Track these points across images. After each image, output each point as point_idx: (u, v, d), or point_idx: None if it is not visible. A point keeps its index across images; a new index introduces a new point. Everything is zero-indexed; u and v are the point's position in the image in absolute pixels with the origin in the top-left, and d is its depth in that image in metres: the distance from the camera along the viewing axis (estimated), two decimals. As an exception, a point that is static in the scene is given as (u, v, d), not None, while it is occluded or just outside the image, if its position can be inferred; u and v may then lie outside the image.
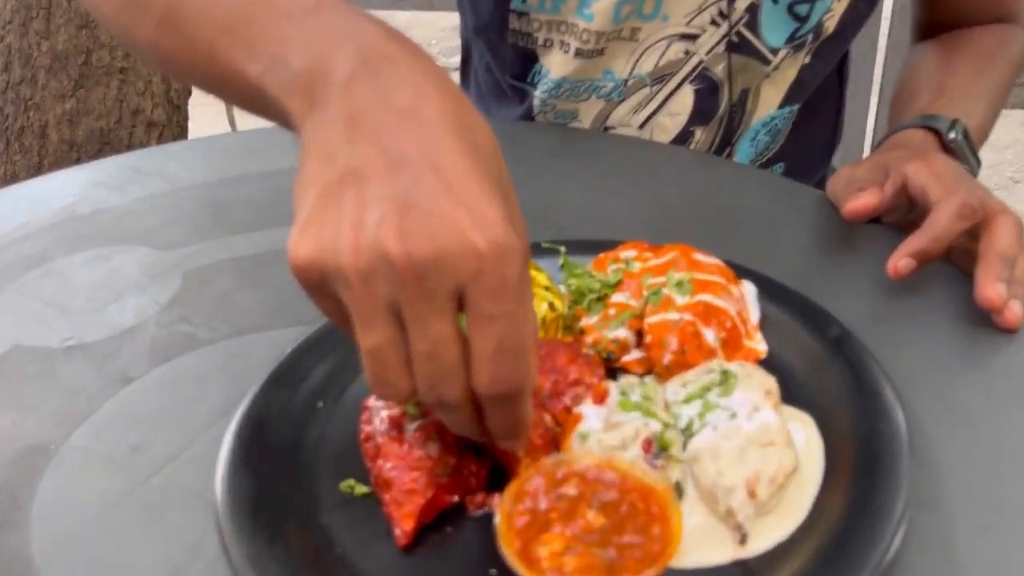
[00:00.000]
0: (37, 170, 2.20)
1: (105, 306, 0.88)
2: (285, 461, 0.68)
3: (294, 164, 0.48)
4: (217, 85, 0.57)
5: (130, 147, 2.15)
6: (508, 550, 0.55)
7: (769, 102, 1.08)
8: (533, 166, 1.08)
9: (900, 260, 0.78)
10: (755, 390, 0.66)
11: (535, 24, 1.04)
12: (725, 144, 1.11)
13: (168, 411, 0.76)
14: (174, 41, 0.58)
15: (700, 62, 1.05)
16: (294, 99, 0.49)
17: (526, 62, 1.09)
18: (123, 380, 0.79)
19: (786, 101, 1.09)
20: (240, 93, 0.54)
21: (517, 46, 1.07)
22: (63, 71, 2.14)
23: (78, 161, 2.17)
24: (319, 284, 0.47)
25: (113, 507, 0.67)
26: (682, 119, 1.09)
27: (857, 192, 0.84)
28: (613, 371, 0.75)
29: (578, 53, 1.04)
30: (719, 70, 1.05)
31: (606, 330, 0.76)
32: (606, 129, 1.12)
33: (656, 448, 0.62)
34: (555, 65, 1.07)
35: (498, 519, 0.57)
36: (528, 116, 1.15)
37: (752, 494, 0.60)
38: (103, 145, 2.17)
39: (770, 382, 0.66)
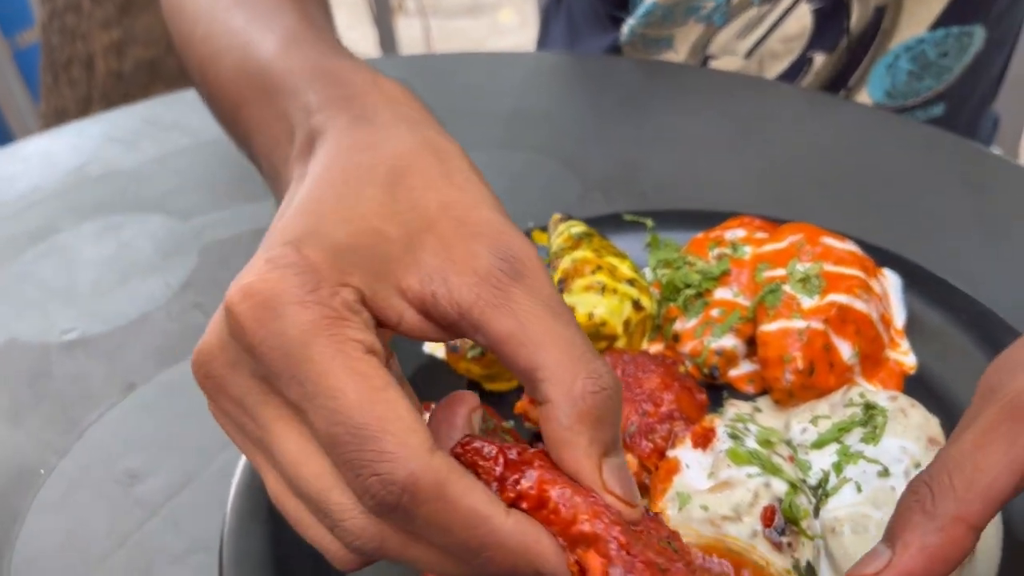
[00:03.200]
0: (86, 103, 2.09)
1: (111, 290, 0.75)
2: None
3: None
4: (242, 149, 0.54)
5: (180, 79, 2.03)
6: None
7: (917, 21, 0.87)
8: (613, 115, 0.91)
9: None
10: (912, 435, 0.49)
11: None
12: (849, 72, 0.91)
13: (174, 429, 0.64)
14: (208, 102, 0.58)
15: None
16: (275, 190, 0.47)
17: None
18: (127, 386, 0.67)
19: (944, 20, 0.87)
20: (258, 168, 0.51)
21: None
22: (107, -2, 2.02)
23: (127, 94, 2.06)
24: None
25: (104, 563, 0.55)
26: (798, 44, 0.89)
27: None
28: (717, 390, 0.60)
29: None
30: None
31: (708, 337, 0.60)
32: (706, 60, 0.94)
33: (781, 520, 0.46)
34: None
35: None
36: (615, 49, 0.97)
37: (913, 589, 0.44)
38: (152, 77, 2.05)
39: (933, 427, 0.50)
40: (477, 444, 0.35)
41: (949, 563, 0.37)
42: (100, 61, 2.07)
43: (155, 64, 2.07)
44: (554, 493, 0.33)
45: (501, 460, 0.34)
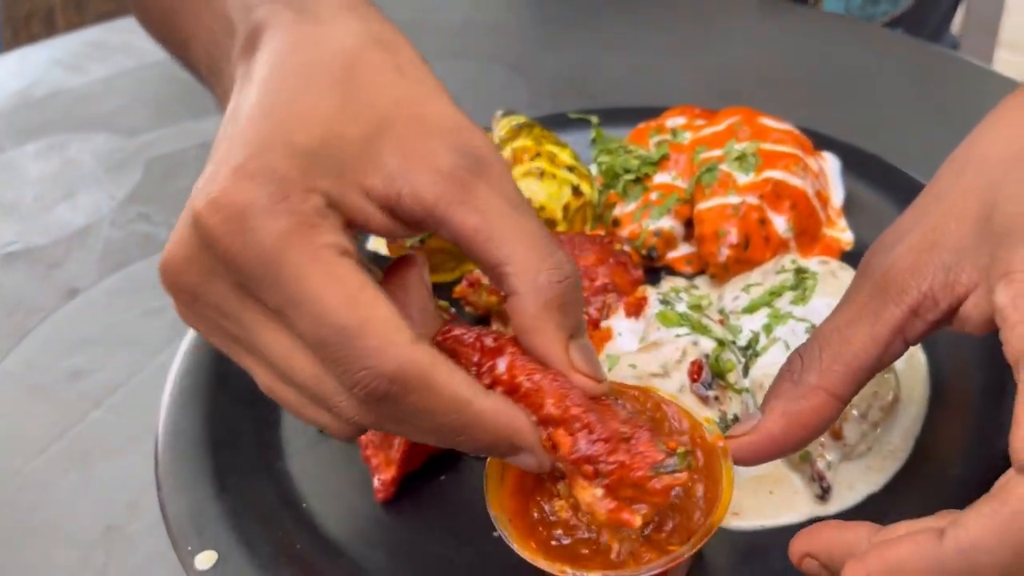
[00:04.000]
0: (50, 61, 2.06)
1: (55, 204, 0.75)
2: (244, 392, 0.55)
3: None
4: (178, 59, 0.52)
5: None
6: (498, 515, 0.39)
7: None
8: (563, 24, 0.90)
9: None
10: (842, 294, 0.49)
11: None
12: None
13: (118, 329, 0.64)
14: (144, 17, 0.55)
15: None
16: (217, 92, 0.44)
17: None
18: (69, 292, 0.67)
19: None
20: (196, 76, 0.49)
21: None
22: (65, -50, 1.98)
23: (90, 49, 2.03)
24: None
25: (43, 454, 0.55)
26: None
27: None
28: (656, 272, 0.60)
29: None
30: None
31: (646, 220, 0.60)
32: None
33: (708, 374, 0.47)
34: None
35: (486, 472, 0.40)
36: None
37: (836, 434, 0.45)
38: (114, 31, 2.02)
39: (862, 284, 0.50)
40: (457, 332, 0.37)
41: (809, 428, 0.39)
42: (60, 15, 2.04)
43: (115, 16, 2.03)
44: (523, 379, 0.36)
45: (479, 347, 0.37)
